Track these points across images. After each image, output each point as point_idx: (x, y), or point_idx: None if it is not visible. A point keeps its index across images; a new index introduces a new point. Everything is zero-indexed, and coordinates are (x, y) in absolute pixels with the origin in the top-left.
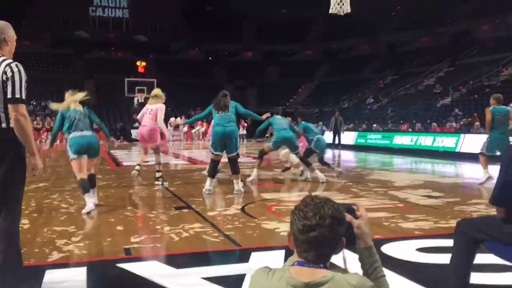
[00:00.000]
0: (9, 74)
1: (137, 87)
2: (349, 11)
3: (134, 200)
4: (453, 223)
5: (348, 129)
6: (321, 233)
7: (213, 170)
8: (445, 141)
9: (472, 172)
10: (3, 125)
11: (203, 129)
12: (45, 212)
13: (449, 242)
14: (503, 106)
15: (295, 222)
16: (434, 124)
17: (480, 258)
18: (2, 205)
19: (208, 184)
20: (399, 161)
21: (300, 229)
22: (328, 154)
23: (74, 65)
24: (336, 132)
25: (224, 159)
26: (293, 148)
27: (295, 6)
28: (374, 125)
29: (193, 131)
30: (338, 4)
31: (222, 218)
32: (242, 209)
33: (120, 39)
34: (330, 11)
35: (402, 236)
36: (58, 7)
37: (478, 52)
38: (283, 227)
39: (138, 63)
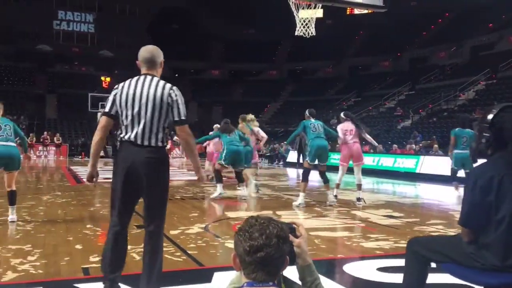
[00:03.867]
0: (174, 97)
1: (101, 103)
2: (314, 34)
3: (94, 218)
4: None
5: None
6: (267, 253)
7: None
8: (406, 163)
9: (431, 193)
10: (159, 143)
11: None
12: (0, 229)
13: None
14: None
15: (240, 243)
16: (395, 145)
17: (436, 278)
18: (158, 219)
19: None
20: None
21: (247, 250)
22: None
23: (36, 79)
24: (301, 152)
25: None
26: (324, 159)
27: (262, 27)
28: (338, 146)
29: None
30: (304, 27)
31: (185, 237)
32: (206, 228)
33: (84, 53)
34: (296, 33)
35: (363, 256)
36: (20, 20)
37: (436, 77)
38: None
39: (102, 78)
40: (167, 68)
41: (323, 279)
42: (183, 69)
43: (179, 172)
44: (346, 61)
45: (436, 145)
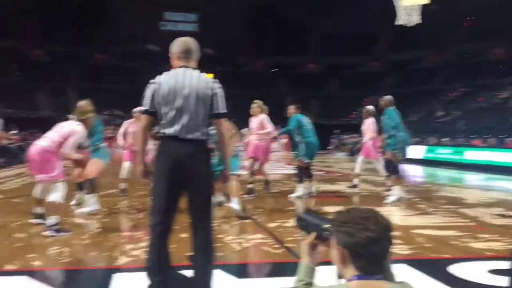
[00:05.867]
0: (216, 90)
1: None
2: (419, 21)
3: None
4: None
5: (415, 143)
6: (384, 245)
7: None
8: None
9: None
10: (203, 137)
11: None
12: (115, 217)
13: None
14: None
15: (353, 235)
16: (510, 139)
17: None
18: (206, 218)
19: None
20: (471, 178)
21: (363, 242)
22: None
23: (145, 78)
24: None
25: None
26: (314, 157)
27: (360, 18)
28: (445, 139)
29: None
30: (406, 15)
31: (283, 230)
32: None
33: None
34: (397, 22)
35: (471, 257)
36: (129, 23)
37: None
38: None
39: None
40: (265, 64)
41: (426, 279)
42: (280, 64)
43: (276, 166)
44: (452, 48)
45: None
